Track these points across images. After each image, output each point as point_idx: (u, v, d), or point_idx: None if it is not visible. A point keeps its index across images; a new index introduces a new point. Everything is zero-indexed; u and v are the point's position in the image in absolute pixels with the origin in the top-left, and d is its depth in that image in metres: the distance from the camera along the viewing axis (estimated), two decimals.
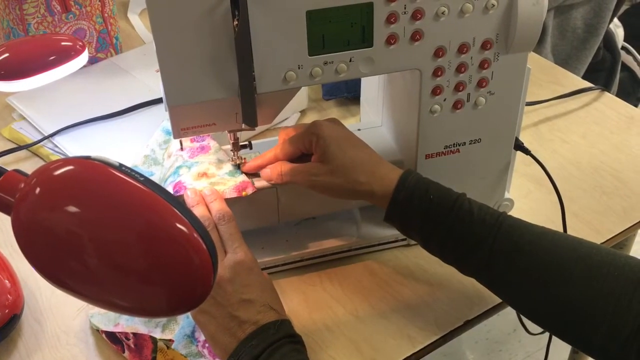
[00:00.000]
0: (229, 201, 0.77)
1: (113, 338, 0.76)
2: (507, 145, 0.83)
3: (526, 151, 0.85)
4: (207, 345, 0.73)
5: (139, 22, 1.34)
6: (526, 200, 0.93)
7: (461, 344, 1.68)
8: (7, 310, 0.77)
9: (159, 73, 0.69)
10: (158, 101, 1.09)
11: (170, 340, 0.74)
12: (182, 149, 0.84)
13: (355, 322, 0.79)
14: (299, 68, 0.70)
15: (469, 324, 0.79)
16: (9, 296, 0.78)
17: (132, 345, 0.75)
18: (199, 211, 0.74)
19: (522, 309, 0.71)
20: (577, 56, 1.46)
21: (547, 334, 0.79)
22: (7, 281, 0.79)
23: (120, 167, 0.46)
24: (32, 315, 0.81)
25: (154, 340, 0.74)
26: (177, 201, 0.45)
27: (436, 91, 0.76)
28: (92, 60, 1.18)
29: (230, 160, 0.82)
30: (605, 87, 1.17)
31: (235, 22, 0.66)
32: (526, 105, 0.88)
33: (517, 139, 0.84)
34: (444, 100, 0.77)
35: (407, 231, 0.75)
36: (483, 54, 0.74)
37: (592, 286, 0.64)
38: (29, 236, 0.45)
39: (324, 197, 0.76)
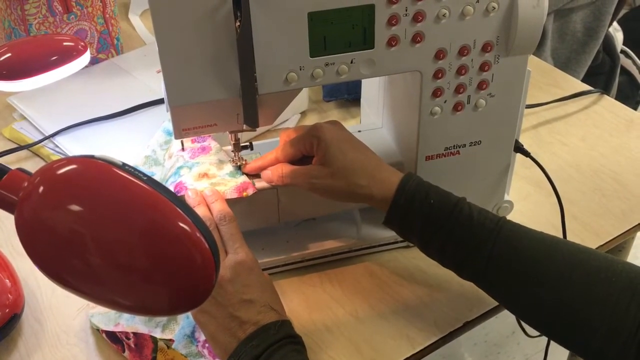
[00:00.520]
0: (229, 202, 0.77)
1: (113, 338, 0.77)
2: (507, 147, 0.83)
3: (526, 153, 0.85)
4: (207, 345, 0.73)
5: (139, 23, 1.35)
6: (526, 203, 0.94)
7: (460, 346, 1.68)
8: (7, 310, 0.77)
9: (160, 74, 0.69)
10: (159, 102, 1.09)
11: (171, 340, 0.74)
12: (183, 149, 0.84)
13: (355, 323, 0.79)
14: (300, 69, 0.71)
15: (468, 325, 0.79)
16: (9, 295, 0.78)
17: (133, 345, 0.75)
18: (200, 211, 0.74)
19: (520, 313, 0.72)
20: (576, 59, 1.46)
21: (545, 337, 0.79)
22: (7, 280, 0.80)
23: (124, 166, 0.46)
24: (32, 315, 0.81)
25: (154, 340, 0.74)
26: (180, 200, 0.45)
27: (437, 93, 0.76)
28: (93, 61, 1.19)
29: (231, 160, 0.82)
30: (605, 90, 1.17)
31: (237, 23, 0.66)
32: (526, 107, 0.88)
33: (517, 141, 0.84)
34: (445, 102, 0.77)
35: (406, 235, 0.75)
36: (483, 56, 0.75)
37: (589, 291, 0.65)
38: (32, 234, 0.46)
39: (324, 199, 0.77)
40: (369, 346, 0.76)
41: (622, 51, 1.55)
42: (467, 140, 0.81)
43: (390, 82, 0.85)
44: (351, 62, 0.72)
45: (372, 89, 0.92)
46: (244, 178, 0.80)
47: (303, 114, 1.10)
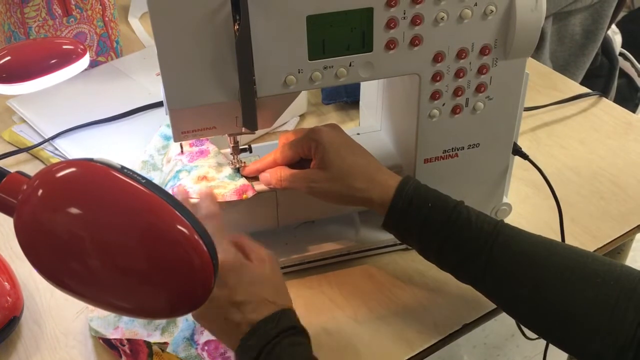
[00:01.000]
0: (228, 204, 0.78)
1: (109, 344, 0.77)
2: (505, 150, 0.83)
3: (524, 156, 0.85)
4: (206, 348, 0.73)
5: (139, 26, 1.35)
6: (524, 205, 0.94)
7: (459, 349, 1.68)
8: (6, 312, 0.77)
9: (159, 77, 0.70)
10: (157, 105, 1.09)
11: (165, 344, 0.74)
12: (182, 152, 0.84)
13: (354, 326, 0.79)
14: (299, 72, 0.71)
15: (467, 327, 0.80)
16: (8, 298, 0.78)
17: (128, 351, 0.75)
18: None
19: (518, 317, 0.72)
20: (575, 62, 1.46)
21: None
22: (6, 283, 0.80)
23: (122, 170, 0.46)
24: (31, 318, 0.81)
25: (148, 344, 0.75)
26: (178, 203, 0.46)
27: (435, 96, 0.76)
28: (93, 64, 1.19)
29: (230, 163, 0.82)
30: (603, 93, 1.17)
31: (236, 27, 0.66)
32: (524, 110, 0.88)
33: (515, 144, 0.84)
34: (443, 105, 0.77)
35: (404, 238, 0.75)
36: (482, 59, 0.75)
37: (588, 295, 0.65)
38: (31, 237, 0.46)
39: (323, 202, 0.77)
40: (367, 349, 0.77)
41: (621, 54, 1.55)
42: (466, 143, 0.81)
43: (388, 85, 0.86)
44: (350, 65, 0.72)
45: (370, 91, 0.92)
46: (243, 180, 0.80)
47: (302, 116, 1.10)
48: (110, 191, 0.45)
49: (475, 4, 0.71)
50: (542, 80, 1.18)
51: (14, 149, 1.04)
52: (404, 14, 0.70)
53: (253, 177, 0.81)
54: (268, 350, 0.64)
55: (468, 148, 0.81)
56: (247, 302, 0.67)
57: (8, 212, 0.48)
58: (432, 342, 0.77)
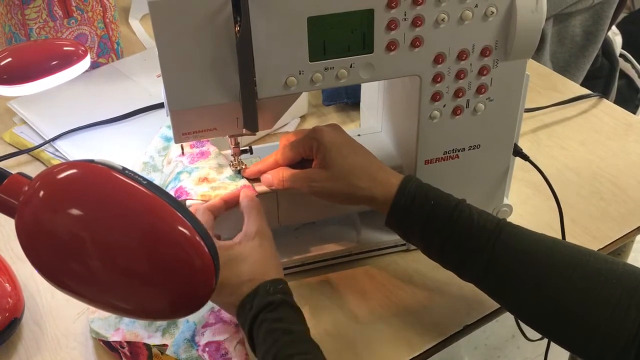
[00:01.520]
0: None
1: (109, 346, 0.77)
2: (506, 151, 0.83)
3: (525, 157, 0.85)
4: (207, 349, 0.73)
5: (140, 28, 1.35)
6: (525, 206, 0.94)
7: (460, 350, 1.68)
8: (7, 314, 0.77)
9: (159, 78, 0.70)
10: (158, 106, 1.09)
11: (164, 346, 0.74)
12: (183, 154, 0.84)
13: (354, 327, 0.79)
14: (299, 73, 0.71)
15: (468, 328, 0.80)
16: (9, 300, 0.78)
17: (128, 353, 0.75)
18: None
19: (520, 315, 0.72)
20: (575, 63, 1.46)
21: (545, 340, 0.79)
22: (7, 285, 0.80)
23: (124, 171, 0.46)
24: (32, 319, 0.81)
25: (147, 347, 0.75)
26: (180, 204, 0.46)
27: (436, 97, 0.76)
28: (94, 65, 1.19)
29: (231, 164, 0.82)
30: (604, 94, 1.17)
31: (237, 28, 0.66)
32: (525, 111, 0.88)
33: (515, 145, 0.84)
34: (444, 106, 0.77)
35: (407, 236, 0.76)
36: (482, 60, 0.75)
37: (589, 293, 0.65)
38: (33, 239, 0.46)
39: (323, 202, 0.77)
40: (368, 350, 0.77)
41: (621, 55, 1.56)
42: (466, 144, 0.81)
43: (389, 86, 0.86)
44: (350, 67, 0.72)
45: (371, 93, 0.92)
46: (244, 182, 0.80)
47: (303, 118, 1.10)
48: (112, 192, 0.45)
49: (476, 6, 0.71)
50: (543, 82, 1.18)
51: (15, 150, 1.04)
52: (405, 15, 0.70)
53: (254, 179, 0.81)
54: (255, 328, 0.67)
55: (469, 149, 0.81)
56: (224, 286, 0.69)
57: (9, 213, 0.48)
58: (432, 343, 0.77)
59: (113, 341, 0.76)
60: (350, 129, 0.87)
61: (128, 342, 0.75)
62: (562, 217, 0.85)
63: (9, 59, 0.80)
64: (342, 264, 0.86)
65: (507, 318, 0.76)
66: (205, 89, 0.69)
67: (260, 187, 0.80)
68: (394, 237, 0.84)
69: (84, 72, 0.86)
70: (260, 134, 1.03)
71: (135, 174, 0.47)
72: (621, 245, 0.95)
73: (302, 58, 0.70)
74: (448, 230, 0.70)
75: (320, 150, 0.75)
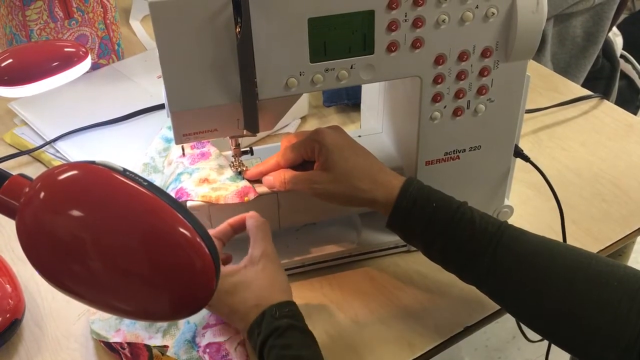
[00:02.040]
0: (229, 207, 0.78)
1: (110, 347, 0.77)
2: (506, 152, 0.83)
3: (526, 158, 0.85)
4: (207, 350, 0.73)
5: (140, 29, 1.35)
6: (525, 207, 0.94)
7: (460, 351, 1.68)
8: (8, 315, 0.77)
9: (160, 79, 0.70)
10: (159, 107, 1.09)
11: (165, 347, 0.74)
12: (183, 155, 0.84)
13: (355, 328, 0.79)
14: (300, 74, 0.71)
15: (468, 330, 0.79)
16: (10, 301, 0.78)
17: (128, 354, 0.75)
18: None
19: (522, 317, 0.72)
20: (576, 64, 1.46)
21: (546, 342, 0.79)
22: (8, 286, 0.80)
23: (124, 172, 0.46)
24: (33, 320, 0.81)
25: (148, 348, 0.75)
26: (180, 206, 0.46)
27: (436, 98, 0.76)
28: (94, 66, 1.19)
29: (232, 166, 0.82)
30: (604, 95, 1.17)
31: (238, 29, 0.66)
32: (526, 112, 0.89)
33: (516, 146, 0.84)
34: (444, 107, 0.77)
35: (408, 238, 0.76)
36: (483, 61, 0.75)
37: (591, 296, 0.65)
38: (33, 240, 0.46)
39: (324, 204, 0.77)
40: (368, 351, 0.77)
41: (622, 56, 1.56)
42: (467, 145, 0.81)
43: (390, 87, 0.86)
44: (351, 68, 0.72)
45: (372, 94, 0.92)
46: (244, 183, 0.80)
47: (303, 119, 1.10)
48: (112, 193, 0.45)
49: (477, 7, 0.71)
50: (543, 83, 1.18)
51: (16, 151, 1.04)
52: (405, 16, 0.70)
53: (255, 180, 0.81)
54: (265, 354, 0.67)
55: (469, 150, 0.81)
56: (232, 312, 0.71)
57: (10, 214, 0.48)
58: (433, 345, 0.77)
59: (114, 342, 0.76)
60: (350, 130, 0.87)
61: (129, 343, 0.75)
62: (563, 218, 0.85)
63: (10, 60, 0.80)
64: (342, 265, 0.86)
65: (508, 319, 0.76)
66: (205, 90, 0.69)
67: (262, 189, 0.80)
68: (394, 239, 0.84)
69: (84, 73, 0.86)
70: (260, 135, 1.03)
71: (135, 175, 0.47)
72: (622, 247, 0.95)
73: (302, 59, 0.70)
74: (449, 232, 0.70)
75: (322, 152, 0.75)
